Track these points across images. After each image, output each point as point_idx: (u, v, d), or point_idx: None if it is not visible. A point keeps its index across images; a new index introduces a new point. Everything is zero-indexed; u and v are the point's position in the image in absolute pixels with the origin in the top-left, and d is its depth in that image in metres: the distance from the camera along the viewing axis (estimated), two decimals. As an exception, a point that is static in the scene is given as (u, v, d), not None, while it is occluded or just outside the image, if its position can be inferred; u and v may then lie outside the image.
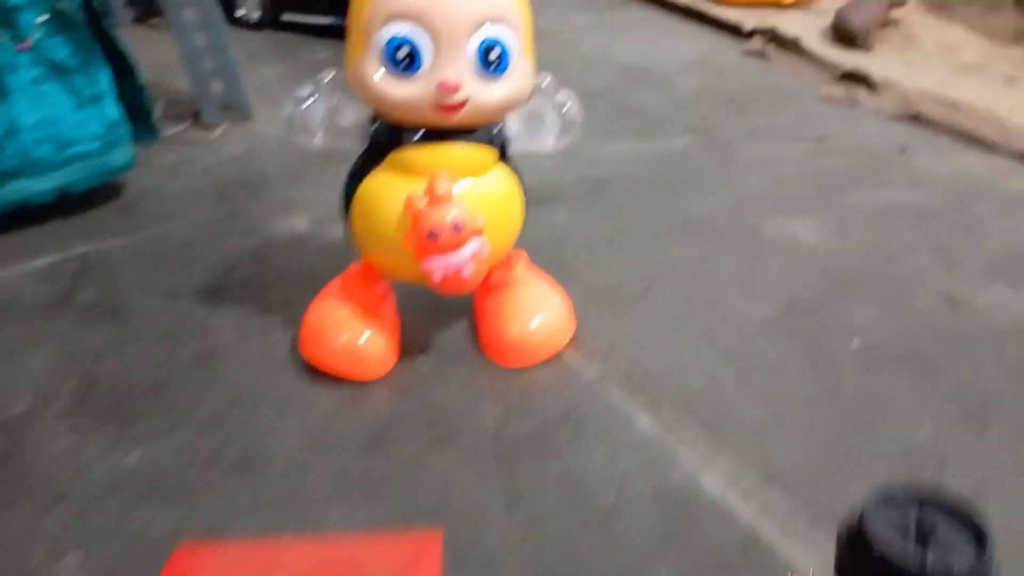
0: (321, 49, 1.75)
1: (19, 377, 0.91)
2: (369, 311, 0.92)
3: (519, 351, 0.93)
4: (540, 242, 1.03)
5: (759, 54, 1.78)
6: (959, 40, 1.77)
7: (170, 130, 1.44)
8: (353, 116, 0.84)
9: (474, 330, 0.97)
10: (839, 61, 1.68)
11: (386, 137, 0.82)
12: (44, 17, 1.08)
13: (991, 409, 0.87)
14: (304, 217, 1.17)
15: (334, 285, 0.94)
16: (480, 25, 0.76)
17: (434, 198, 0.79)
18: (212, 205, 1.24)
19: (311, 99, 0.82)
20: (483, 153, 0.83)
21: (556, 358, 0.94)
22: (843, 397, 0.89)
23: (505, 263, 0.93)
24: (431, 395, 0.89)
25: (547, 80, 0.86)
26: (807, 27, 1.82)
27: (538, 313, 0.94)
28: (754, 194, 1.27)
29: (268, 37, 1.81)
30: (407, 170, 0.81)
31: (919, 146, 1.43)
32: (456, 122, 0.79)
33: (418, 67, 0.76)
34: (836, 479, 0.78)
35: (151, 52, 1.61)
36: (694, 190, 1.29)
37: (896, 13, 1.81)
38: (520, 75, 0.80)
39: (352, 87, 0.80)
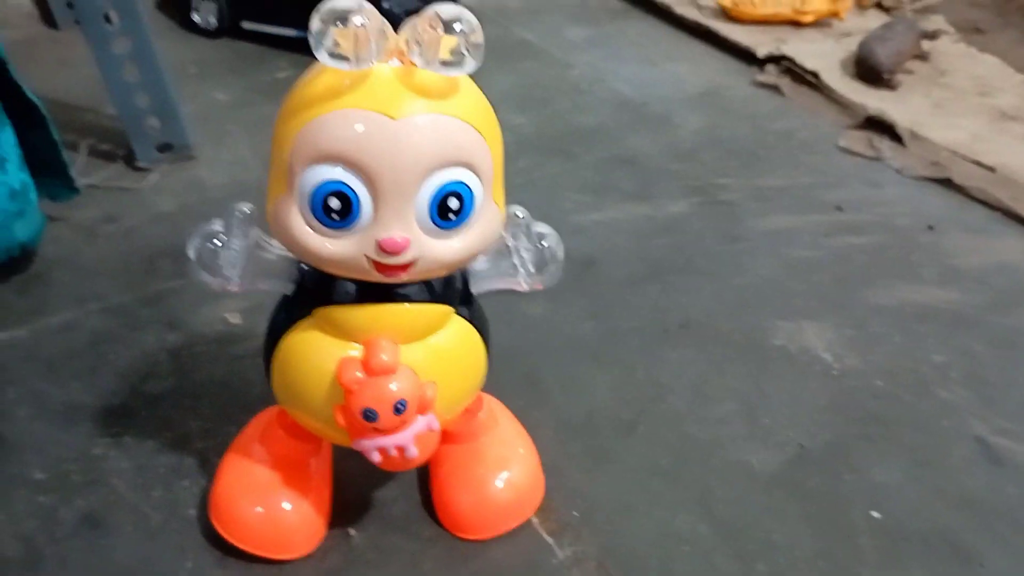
0: (283, 65, 1.56)
1: None
2: (294, 469, 0.75)
3: (478, 520, 0.77)
4: (511, 349, 0.87)
5: (772, 87, 1.59)
6: (995, 76, 1.59)
7: (94, 176, 1.25)
8: (277, 253, 0.66)
9: (426, 485, 0.81)
10: (861, 102, 1.51)
11: (314, 285, 0.64)
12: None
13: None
14: (238, 303, 0.99)
15: (253, 434, 0.78)
16: (435, 171, 0.57)
17: (372, 370, 0.62)
18: (132, 283, 1.06)
19: (222, 237, 0.64)
20: (435, 311, 0.65)
21: (521, 529, 0.78)
22: (863, 601, 0.74)
23: (464, 411, 0.76)
24: (395, 557, 0.73)
25: (520, 214, 0.68)
26: (827, 56, 1.64)
27: (503, 470, 0.78)
28: (762, 285, 1.11)
29: (226, 47, 1.62)
30: (339, 331, 0.64)
31: (950, 220, 1.26)
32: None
33: (354, 220, 0.58)
34: None
35: (81, 67, 1.43)
36: (693, 276, 1.12)
37: (927, 45, 1.62)
38: (484, 223, 0.62)
39: (272, 231, 0.62)
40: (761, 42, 1.75)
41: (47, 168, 1.08)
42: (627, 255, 1.16)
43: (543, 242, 0.69)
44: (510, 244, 0.69)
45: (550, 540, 0.77)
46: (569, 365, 0.97)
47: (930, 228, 1.24)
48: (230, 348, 0.97)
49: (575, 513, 0.79)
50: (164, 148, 1.30)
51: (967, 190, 1.31)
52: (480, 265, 0.68)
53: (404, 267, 0.59)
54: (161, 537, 0.76)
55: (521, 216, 0.68)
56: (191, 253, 0.63)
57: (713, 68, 1.75)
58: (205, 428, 0.86)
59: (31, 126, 1.03)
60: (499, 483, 0.77)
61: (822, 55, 1.69)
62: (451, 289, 0.66)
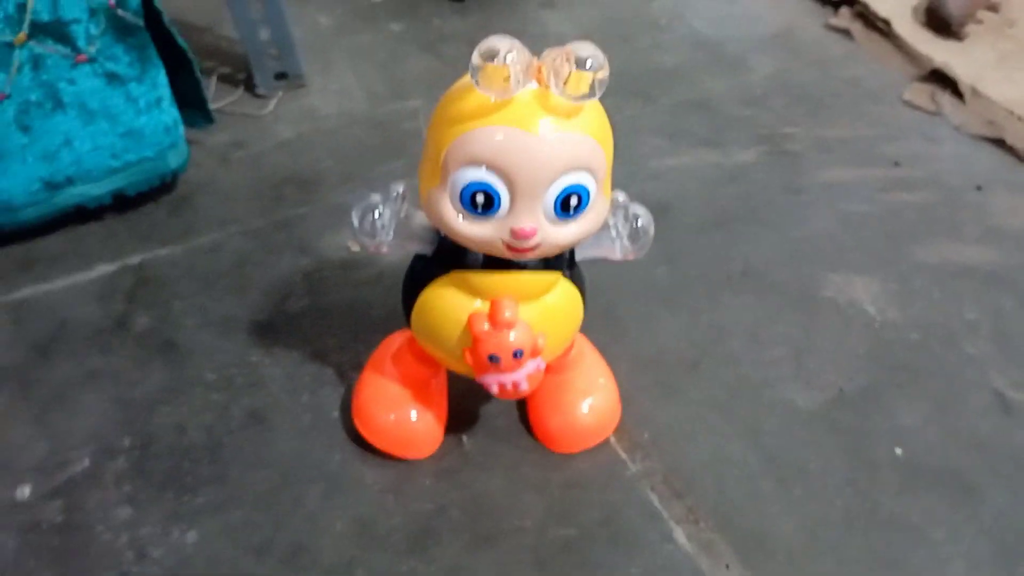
0: (377, -10, 1.64)
1: (78, 426, 0.94)
2: (419, 387, 0.93)
3: (567, 438, 0.95)
4: (593, 287, 1.01)
5: (844, 31, 1.66)
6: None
7: (222, 101, 1.39)
8: (420, 221, 0.81)
9: (523, 405, 0.98)
10: (928, 53, 1.57)
11: (451, 252, 0.80)
12: (102, 28, 1.03)
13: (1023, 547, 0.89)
14: (356, 233, 1.15)
15: (384, 354, 0.95)
16: (561, 175, 0.71)
17: (496, 323, 0.78)
18: (264, 207, 1.22)
19: (380, 208, 0.79)
20: (548, 277, 0.81)
21: (601, 446, 0.95)
22: (879, 521, 0.90)
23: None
24: (475, 484, 0.91)
25: (621, 198, 0.82)
26: (900, 3, 1.69)
27: (588, 398, 0.95)
28: (818, 238, 1.23)
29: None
30: (470, 290, 0.80)
31: (998, 180, 1.36)
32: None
33: (494, 211, 0.72)
34: (861, 626, 0.82)
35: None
36: (756, 226, 1.25)
37: (1000, -6, 1.66)
38: (596, 212, 0.76)
39: (424, 211, 0.77)
40: (837, -19, 1.80)
41: (189, 100, 1.22)
42: (697, 202, 1.29)
43: (638, 221, 0.83)
44: (609, 222, 0.83)
45: (624, 456, 0.94)
46: (643, 305, 1.12)
47: (978, 188, 1.34)
48: (353, 274, 1.13)
49: (645, 435, 0.96)
50: (280, 76, 1.43)
51: (1017, 151, 1.40)
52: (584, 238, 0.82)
53: (530, 249, 0.74)
54: (312, 434, 0.94)
55: (621, 200, 0.82)
56: (355, 221, 0.78)
57: (789, 7, 1.81)
58: (339, 344, 1.03)
59: (179, 67, 1.17)
60: (584, 408, 0.94)
61: (895, 1, 1.74)
62: (560, 259, 0.81)
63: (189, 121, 1.24)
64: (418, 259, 0.85)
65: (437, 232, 0.81)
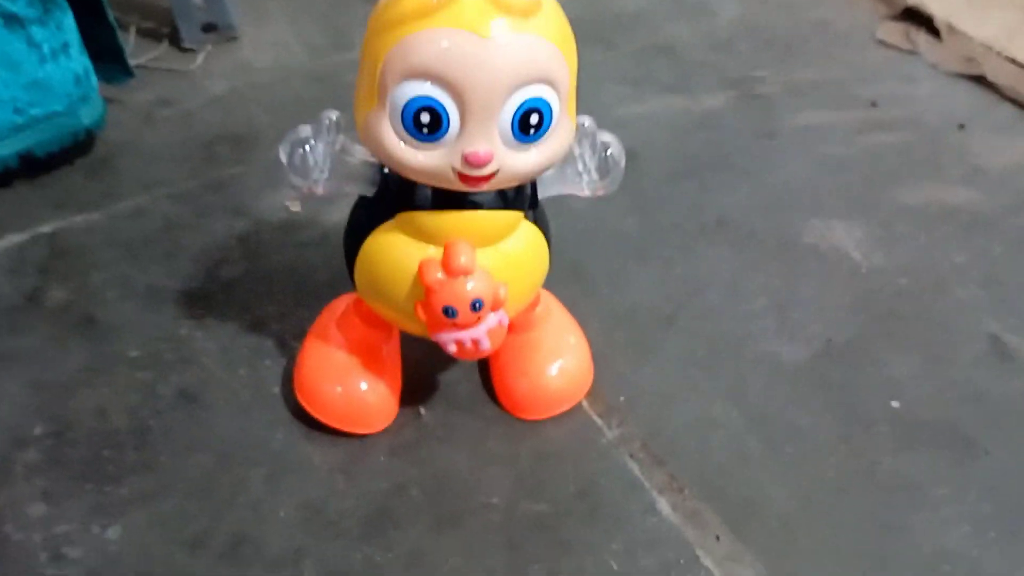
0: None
1: (-15, 413, 0.83)
2: (369, 354, 0.83)
3: (535, 402, 0.86)
4: (560, 241, 0.92)
5: (809, -31, 1.57)
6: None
7: (144, 56, 1.27)
8: (359, 156, 0.71)
9: (486, 369, 0.89)
10: (899, -12, 1.49)
11: (397, 190, 0.70)
12: (-7, -37, 0.91)
13: (1030, 505, 0.82)
14: (296, 192, 1.04)
15: (328, 320, 0.85)
16: (518, 88, 0.61)
17: (451, 271, 0.69)
18: (195, 168, 1.11)
19: (311, 141, 0.69)
20: (509, 217, 0.71)
21: (573, 412, 0.86)
22: (876, 481, 0.83)
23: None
24: (436, 459, 0.82)
25: (586, 122, 0.72)
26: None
27: (557, 359, 0.86)
28: (795, 182, 1.16)
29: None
30: (420, 234, 0.70)
31: (979, 119, 1.30)
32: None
33: (442, 134, 0.62)
34: (865, 595, 0.74)
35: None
36: (729, 173, 1.17)
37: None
38: (559, 136, 0.66)
39: (361, 141, 0.67)
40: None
41: (103, 52, 1.10)
42: (666, 150, 1.20)
43: (608, 151, 0.73)
44: (576, 152, 0.73)
45: (599, 422, 0.86)
46: (613, 259, 1.03)
47: (960, 127, 1.28)
48: (294, 235, 1.03)
49: (621, 398, 0.88)
50: (208, 28, 1.32)
51: (999, 88, 1.34)
52: (547, 172, 0.72)
53: (486, 178, 0.64)
54: (252, 412, 0.84)
55: (587, 126, 0.72)
56: (283, 157, 0.68)
57: (751, -52, 1.72)
58: (280, 312, 0.93)
59: (88, 11, 1.05)
60: (553, 370, 0.85)
61: (863, -62, 1.66)
62: (522, 196, 0.71)
63: (106, 76, 1.13)
64: (360, 203, 0.75)
65: (380, 168, 0.70)
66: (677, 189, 1.14)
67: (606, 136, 0.73)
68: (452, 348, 0.72)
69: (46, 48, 0.98)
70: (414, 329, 0.75)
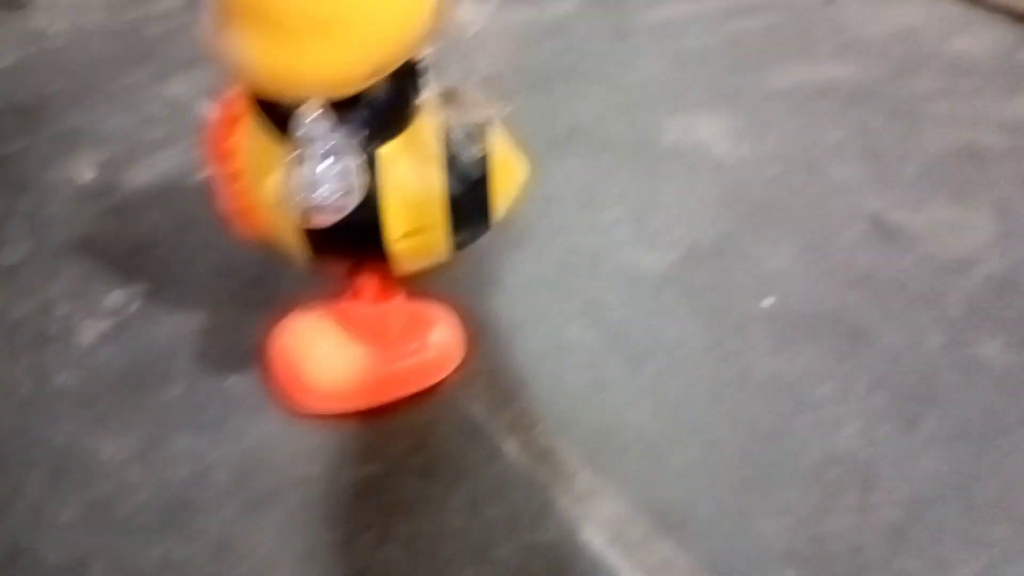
0: None
1: None
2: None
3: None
4: None
5: None
6: None
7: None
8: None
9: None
10: None
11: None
12: None
13: (925, 392, 0.73)
14: (90, 158, 0.92)
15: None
16: None
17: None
18: (-28, 147, 0.97)
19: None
20: None
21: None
22: (752, 387, 0.73)
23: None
24: (244, 436, 0.71)
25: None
26: None
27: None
28: (653, 81, 1.06)
29: None
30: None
31: (849, -13, 1.20)
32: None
33: None
34: (742, 516, 0.65)
35: None
36: (581, 80, 1.06)
37: None
38: None
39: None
40: None
41: None
42: (511, 65, 1.09)
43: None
44: None
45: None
46: (453, 186, 0.92)
47: (828, 2, 1.18)
48: (88, 206, 0.90)
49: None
50: (-7, -6, 1.17)
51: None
52: None
53: None
54: (32, 406, 0.73)
55: None
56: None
57: None
58: (70, 291, 0.82)
59: None
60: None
61: None
62: None
63: None
64: None
65: None
66: (527, 103, 1.02)
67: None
68: None
69: None
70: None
